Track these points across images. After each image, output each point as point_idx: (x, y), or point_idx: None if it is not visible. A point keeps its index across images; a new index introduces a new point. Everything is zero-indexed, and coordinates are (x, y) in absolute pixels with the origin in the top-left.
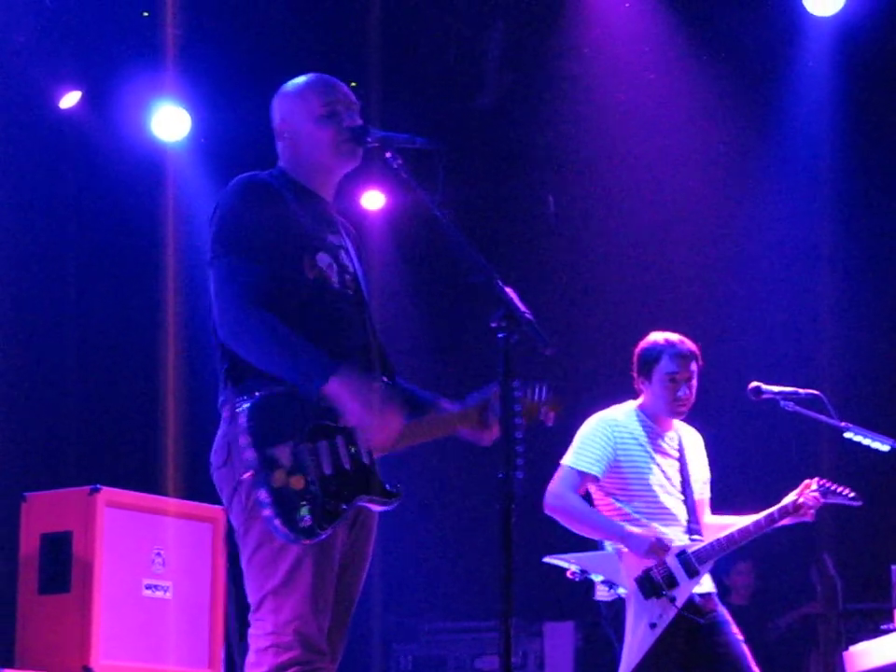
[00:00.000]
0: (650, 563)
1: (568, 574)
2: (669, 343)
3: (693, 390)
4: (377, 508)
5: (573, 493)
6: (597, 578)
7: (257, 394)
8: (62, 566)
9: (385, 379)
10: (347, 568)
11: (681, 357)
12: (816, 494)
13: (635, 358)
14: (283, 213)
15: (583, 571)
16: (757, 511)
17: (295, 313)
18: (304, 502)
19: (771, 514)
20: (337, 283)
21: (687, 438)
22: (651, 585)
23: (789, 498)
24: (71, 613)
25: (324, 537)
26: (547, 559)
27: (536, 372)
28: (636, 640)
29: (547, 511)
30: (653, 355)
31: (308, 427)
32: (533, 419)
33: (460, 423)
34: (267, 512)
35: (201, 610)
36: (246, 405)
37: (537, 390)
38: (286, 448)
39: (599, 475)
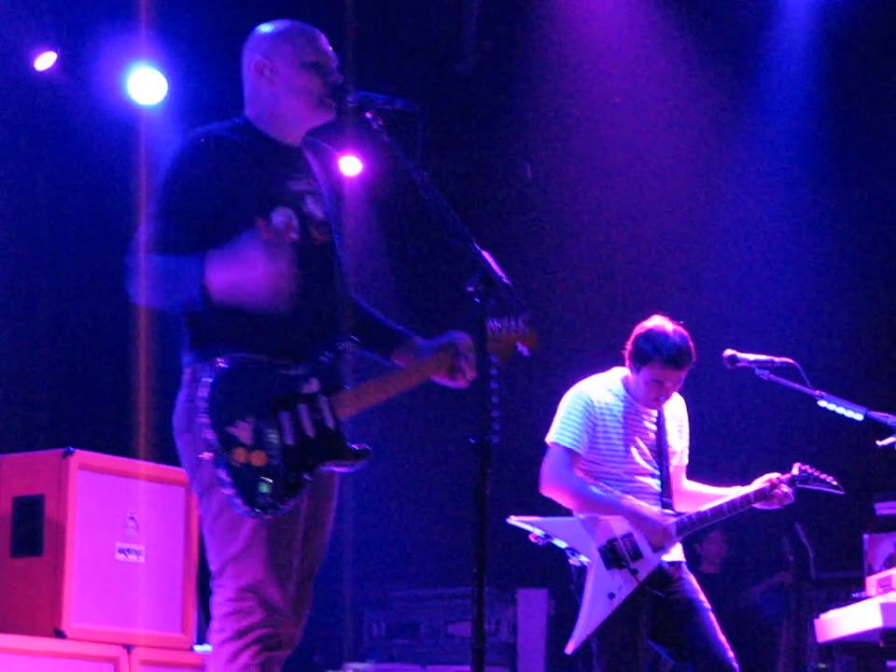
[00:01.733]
0: (616, 532)
1: (532, 538)
2: (667, 349)
3: (678, 388)
4: (342, 469)
5: (572, 472)
6: (561, 544)
7: (217, 367)
8: (34, 529)
9: (349, 333)
10: (308, 533)
11: (676, 365)
12: (788, 492)
13: (632, 339)
14: (232, 169)
15: (547, 536)
16: (733, 479)
17: None
18: (265, 478)
19: (746, 496)
20: (298, 237)
21: (667, 407)
22: (615, 556)
23: (762, 483)
24: (43, 576)
25: (287, 509)
26: (512, 520)
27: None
28: (592, 609)
29: (545, 491)
30: (649, 354)
31: (269, 399)
32: (509, 353)
33: (433, 371)
34: (228, 491)
35: (173, 574)
36: (207, 379)
37: (512, 323)
38: (246, 424)
39: (582, 454)
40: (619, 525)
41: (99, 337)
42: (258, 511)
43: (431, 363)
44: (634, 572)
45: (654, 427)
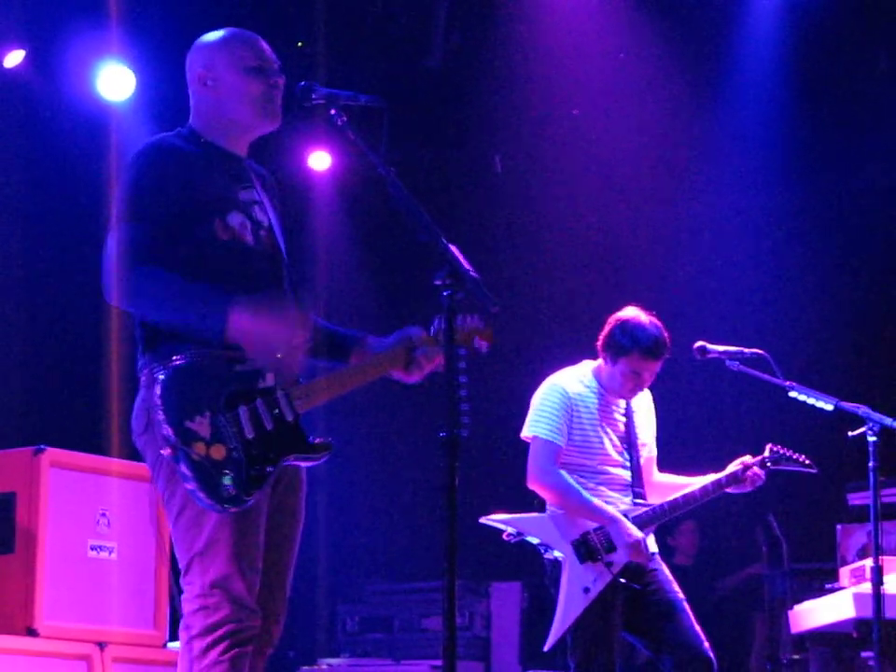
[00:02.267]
0: (587, 527)
1: (504, 536)
2: (645, 340)
3: (653, 379)
4: (306, 464)
5: (558, 469)
6: (533, 540)
7: (171, 364)
8: (5, 526)
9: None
10: (278, 528)
11: (653, 356)
12: (760, 473)
13: (606, 331)
14: (188, 177)
15: (519, 533)
16: (704, 470)
17: (209, 275)
18: (227, 471)
19: (718, 480)
20: (252, 241)
21: (635, 399)
22: (588, 549)
23: (735, 466)
24: (15, 574)
25: (252, 502)
26: (484, 520)
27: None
28: (568, 605)
29: (533, 486)
30: (626, 346)
31: (225, 394)
32: (467, 349)
33: (389, 365)
34: (190, 486)
35: (145, 571)
36: (161, 376)
37: (468, 319)
38: (203, 419)
39: (562, 446)
40: (589, 521)
41: (69, 334)
42: (222, 504)
43: (386, 357)
44: (608, 564)
45: (624, 419)
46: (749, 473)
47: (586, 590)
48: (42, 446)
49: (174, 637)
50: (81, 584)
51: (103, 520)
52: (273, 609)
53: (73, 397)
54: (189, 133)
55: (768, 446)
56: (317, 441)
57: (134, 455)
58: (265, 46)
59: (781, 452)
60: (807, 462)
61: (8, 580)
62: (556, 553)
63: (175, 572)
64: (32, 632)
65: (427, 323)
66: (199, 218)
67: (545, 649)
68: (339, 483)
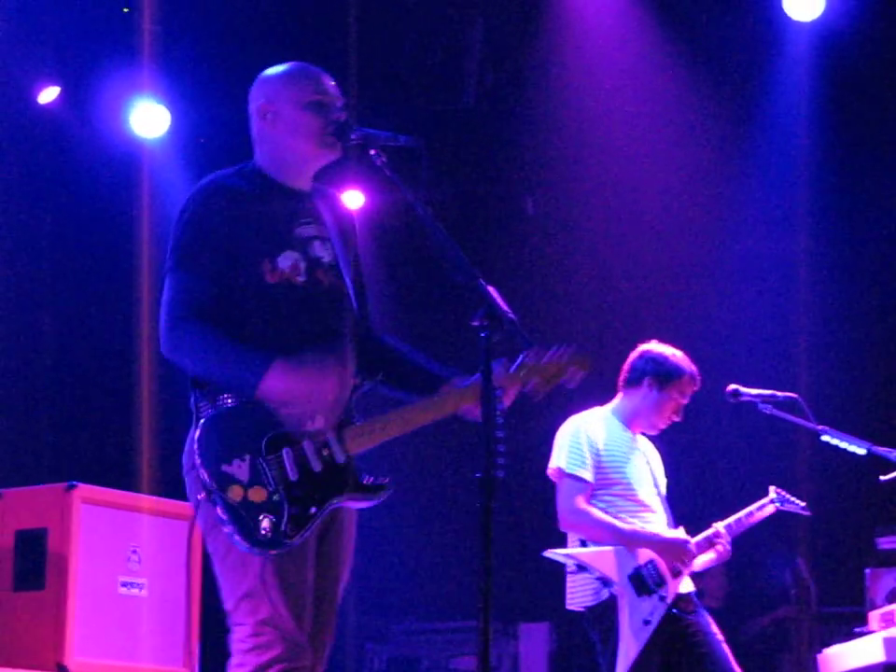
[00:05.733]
0: (639, 561)
1: (567, 569)
2: (689, 367)
3: None
4: (358, 505)
5: (587, 504)
6: (593, 574)
7: (217, 404)
8: (37, 562)
9: (360, 372)
10: (325, 571)
11: (696, 383)
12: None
13: (645, 360)
14: (241, 217)
15: (580, 567)
16: (732, 512)
17: (255, 319)
18: (265, 513)
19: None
20: (303, 281)
21: (649, 448)
22: (643, 583)
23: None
24: (46, 610)
25: (295, 543)
26: (547, 553)
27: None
28: (632, 637)
29: (566, 529)
30: (678, 372)
31: (268, 436)
32: (555, 382)
33: (464, 400)
34: (227, 529)
35: (176, 608)
36: (203, 419)
37: (561, 351)
38: (243, 462)
39: (592, 480)
40: (641, 554)
41: (102, 371)
42: (258, 547)
43: (465, 392)
44: (662, 598)
45: (644, 458)
46: (720, 542)
47: (646, 622)
48: (74, 482)
49: None
50: (111, 621)
51: (134, 556)
52: (319, 647)
53: (105, 433)
54: (250, 170)
55: (772, 488)
56: (370, 481)
57: (166, 491)
58: (328, 81)
59: (783, 494)
60: (803, 504)
61: (39, 616)
62: (614, 588)
63: (208, 611)
64: (62, 668)
65: (512, 357)
66: (246, 262)
67: None
68: (368, 520)
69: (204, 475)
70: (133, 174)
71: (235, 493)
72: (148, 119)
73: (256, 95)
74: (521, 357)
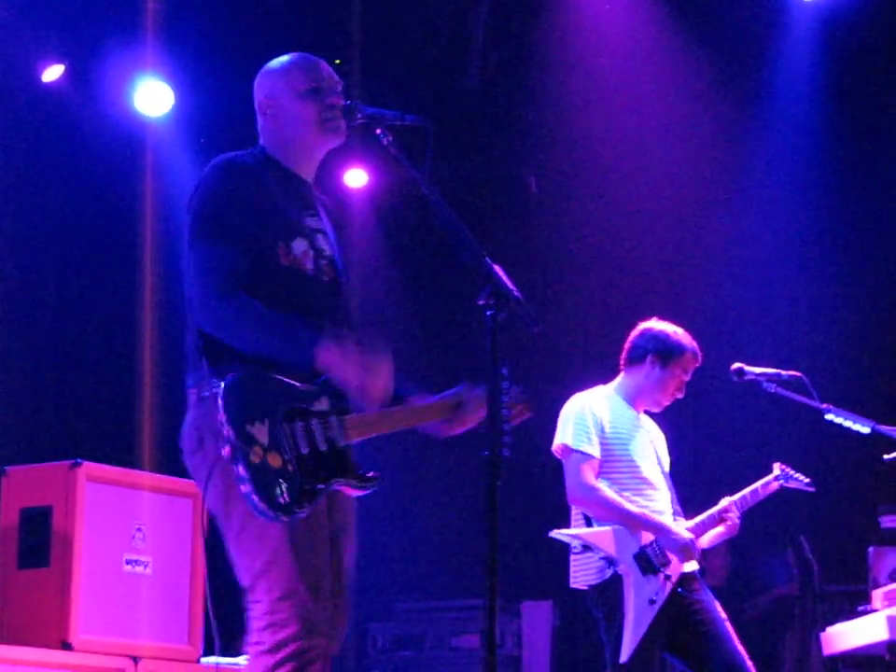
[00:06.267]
0: (644, 541)
1: (571, 548)
2: (691, 344)
3: None
4: (353, 492)
5: (596, 482)
6: (599, 554)
7: (230, 375)
8: (41, 540)
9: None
10: (336, 551)
11: (698, 359)
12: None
13: (647, 338)
14: (261, 196)
15: (585, 547)
16: (738, 490)
17: (266, 300)
18: (282, 479)
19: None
20: (312, 269)
21: (652, 426)
22: (648, 563)
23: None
24: (50, 588)
25: (303, 515)
26: (553, 534)
27: (522, 350)
28: (637, 616)
29: (575, 504)
30: (681, 349)
31: (283, 409)
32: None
33: (435, 416)
34: (245, 488)
35: (180, 586)
36: (222, 384)
37: (513, 390)
38: (263, 426)
39: (599, 456)
40: (645, 534)
41: (105, 349)
42: (275, 511)
43: (435, 407)
44: (667, 577)
45: (648, 436)
46: (729, 516)
47: (652, 601)
48: (79, 460)
49: (208, 653)
50: (116, 598)
51: (138, 534)
52: (337, 622)
53: (109, 411)
54: (260, 153)
55: (777, 465)
56: (366, 472)
57: (170, 469)
58: (325, 67)
59: (787, 471)
60: (807, 481)
61: (44, 593)
62: (620, 568)
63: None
64: (66, 645)
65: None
66: (265, 241)
67: (623, 660)
68: (370, 499)
69: (230, 431)
70: (137, 152)
71: (257, 453)
72: (152, 97)
73: (257, 91)
74: (461, 387)
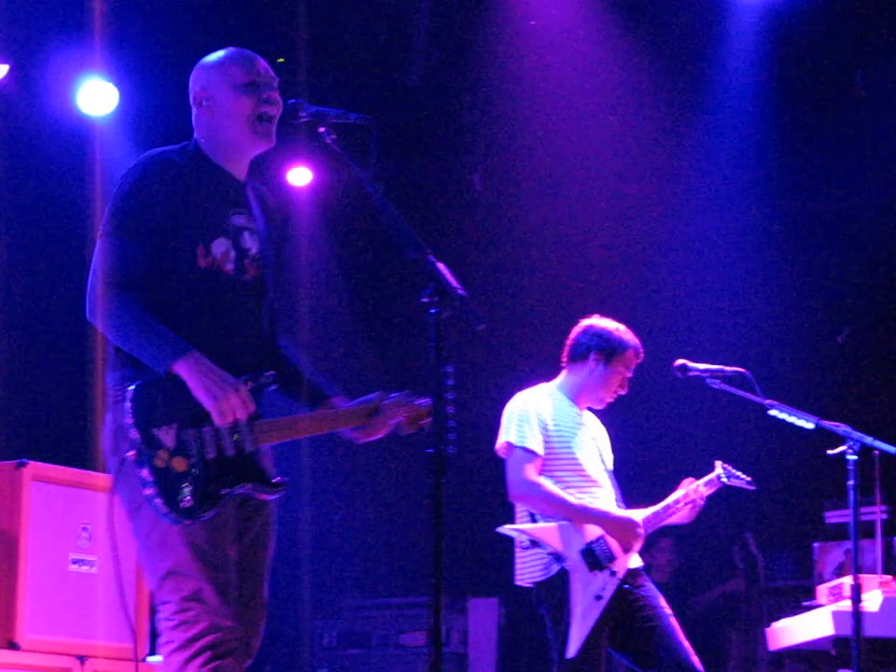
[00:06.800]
0: (590, 537)
1: (518, 544)
2: (633, 341)
3: None
4: (261, 496)
5: (537, 477)
6: (546, 549)
7: (141, 379)
8: None
9: (270, 370)
10: (249, 551)
11: (637, 362)
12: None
13: (590, 335)
14: (181, 196)
15: (533, 542)
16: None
17: (182, 301)
18: (186, 483)
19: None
20: (232, 269)
21: (595, 424)
22: (594, 558)
23: (684, 490)
24: None
25: (205, 518)
26: (500, 529)
27: (465, 347)
28: (584, 612)
29: (517, 500)
30: (623, 346)
31: (192, 412)
32: (415, 426)
33: (345, 423)
34: (149, 491)
35: (127, 585)
36: (132, 387)
37: (421, 400)
38: (170, 430)
39: (542, 453)
40: (591, 530)
41: (52, 348)
42: (177, 514)
43: (345, 415)
44: (613, 573)
45: (590, 434)
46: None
47: (598, 597)
48: (24, 460)
49: (153, 652)
50: (62, 598)
51: (84, 534)
52: (251, 620)
53: (56, 411)
54: (193, 150)
55: (719, 464)
56: (274, 478)
57: None
58: (261, 62)
59: (729, 469)
60: (749, 479)
61: None
62: (566, 563)
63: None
64: (13, 645)
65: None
66: (181, 242)
67: (570, 656)
68: (319, 498)
69: (135, 434)
70: (83, 151)
71: (161, 458)
72: (97, 96)
73: (192, 84)
74: (395, 396)
